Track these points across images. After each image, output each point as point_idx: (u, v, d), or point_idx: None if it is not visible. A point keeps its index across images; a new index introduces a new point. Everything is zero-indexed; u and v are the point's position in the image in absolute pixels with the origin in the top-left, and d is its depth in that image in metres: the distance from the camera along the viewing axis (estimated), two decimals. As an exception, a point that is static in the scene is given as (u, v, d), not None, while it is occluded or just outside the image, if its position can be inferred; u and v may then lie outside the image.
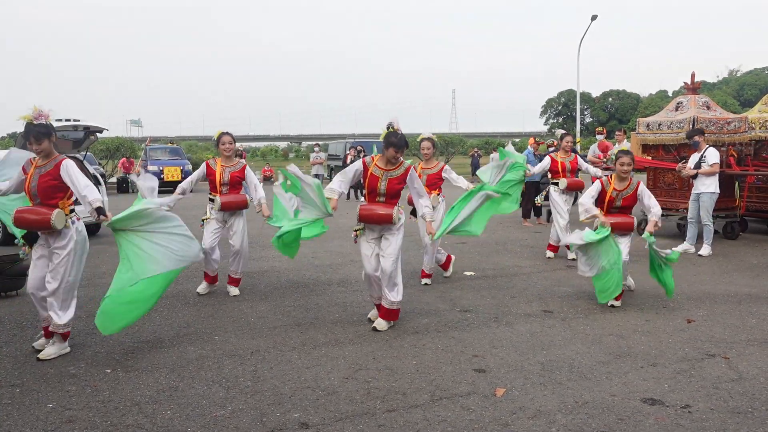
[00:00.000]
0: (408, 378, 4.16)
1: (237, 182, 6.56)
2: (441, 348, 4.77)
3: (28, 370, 4.40)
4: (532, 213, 12.71)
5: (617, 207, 5.95)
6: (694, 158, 8.84)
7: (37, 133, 4.55)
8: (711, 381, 4.07)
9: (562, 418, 3.53)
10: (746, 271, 7.63)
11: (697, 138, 8.73)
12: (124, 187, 25.84)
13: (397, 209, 5.16)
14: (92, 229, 11.35)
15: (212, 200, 6.51)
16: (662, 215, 10.38)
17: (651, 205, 6.00)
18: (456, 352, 4.67)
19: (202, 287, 6.62)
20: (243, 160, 6.83)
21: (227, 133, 6.61)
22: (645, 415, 3.56)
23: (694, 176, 8.66)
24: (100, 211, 4.52)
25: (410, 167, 5.31)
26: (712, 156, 8.57)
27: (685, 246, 8.74)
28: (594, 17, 31.68)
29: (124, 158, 27.74)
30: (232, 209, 6.52)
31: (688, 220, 8.90)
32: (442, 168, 6.99)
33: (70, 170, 4.58)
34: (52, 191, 4.59)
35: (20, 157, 5.05)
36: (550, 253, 8.59)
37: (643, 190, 6.01)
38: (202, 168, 6.61)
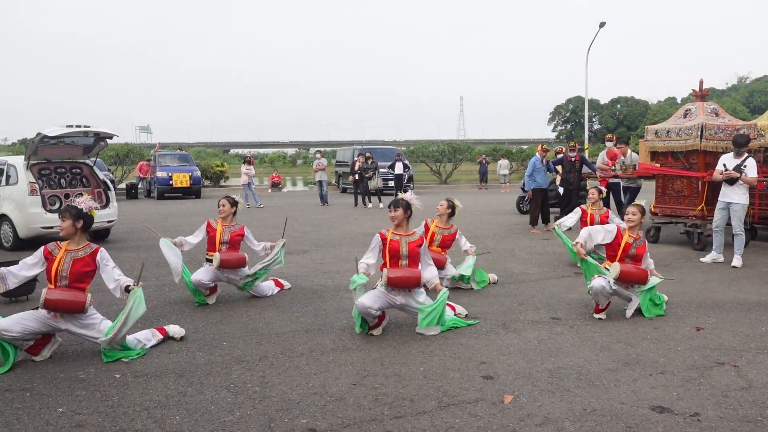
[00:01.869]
0: (416, 384, 4.16)
1: (236, 242, 6.63)
2: (449, 354, 4.77)
3: (38, 374, 4.43)
4: (540, 220, 12.68)
5: (631, 256, 5.84)
6: (729, 161, 8.43)
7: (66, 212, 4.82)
8: (720, 389, 4.05)
9: (570, 425, 3.52)
10: (756, 278, 7.59)
11: (743, 149, 8.39)
12: (132, 193, 26.00)
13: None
14: (101, 234, 11.42)
15: (209, 260, 6.49)
16: (671, 222, 10.40)
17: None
18: (464, 359, 4.66)
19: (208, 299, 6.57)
20: (240, 225, 6.81)
21: (226, 197, 6.75)
22: (654, 423, 3.54)
23: (730, 182, 8.32)
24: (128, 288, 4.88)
25: (423, 237, 5.65)
26: (753, 168, 8.29)
27: (714, 255, 8.64)
28: (602, 24, 31.63)
29: (144, 161, 27.91)
30: (231, 267, 6.51)
31: (714, 229, 8.66)
32: (456, 232, 7.15)
33: (106, 259, 4.91)
34: (84, 276, 4.82)
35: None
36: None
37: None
38: (203, 227, 6.64)
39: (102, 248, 4.94)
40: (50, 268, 4.75)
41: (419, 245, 5.47)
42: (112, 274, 4.91)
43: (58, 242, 4.89)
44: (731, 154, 8.52)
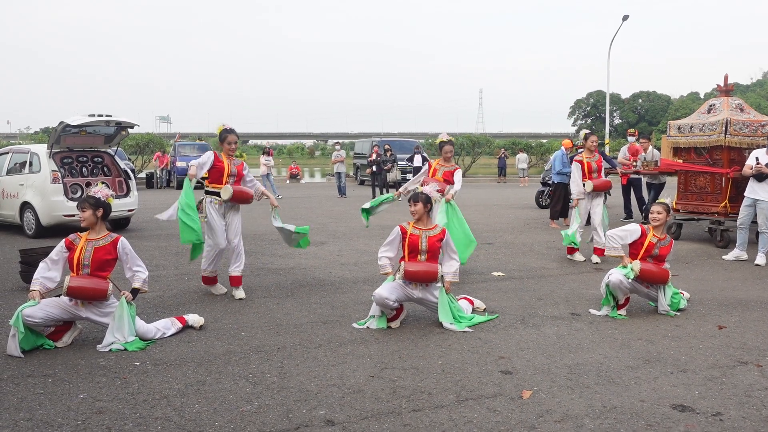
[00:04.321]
0: (434, 378, 4.15)
1: (241, 176, 6.45)
2: (467, 349, 4.75)
3: (60, 360, 4.49)
4: (560, 215, 12.58)
5: (654, 255, 5.74)
6: (762, 157, 8.19)
7: (84, 203, 4.92)
8: (743, 389, 3.99)
9: (589, 422, 3.49)
10: (780, 277, 7.46)
11: None
12: (152, 182, 26.24)
13: (439, 266, 5.42)
14: (122, 222, 11.53)
15: (213, 193, 6.27)
16: (694, 219, 10.26)
17: None
18: (482, 353, 4.64)
19: (217, 289, 6.55)
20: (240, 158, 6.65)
21: (232, 131, 6.40)
22: (675, 422, 3.50)
23: (759, 179, 8.10)
24: (134, 292, 4.98)
25: (445, 230, 5.57)
26: None
27: (737, 253, 8.48)
28: (625, 18, 31.27)
29: (159, 152, 28.21)
30: (240, 200, 6.37)
31: (738, 226, 8.50)
32: (456, 169, 7.63)
33: (127, 248, 4.98)
34: (105, 264, 4.89)
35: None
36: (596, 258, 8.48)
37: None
38: (210, 157, 6.28)
39: (122, 237, 4.99)
40: (72, 257, 4.82)
41: (440, 240, 5.44)
42: (131, 264, 4.99)
43: (79, 233, 4.96)
44: (764, 149, 8.33)
